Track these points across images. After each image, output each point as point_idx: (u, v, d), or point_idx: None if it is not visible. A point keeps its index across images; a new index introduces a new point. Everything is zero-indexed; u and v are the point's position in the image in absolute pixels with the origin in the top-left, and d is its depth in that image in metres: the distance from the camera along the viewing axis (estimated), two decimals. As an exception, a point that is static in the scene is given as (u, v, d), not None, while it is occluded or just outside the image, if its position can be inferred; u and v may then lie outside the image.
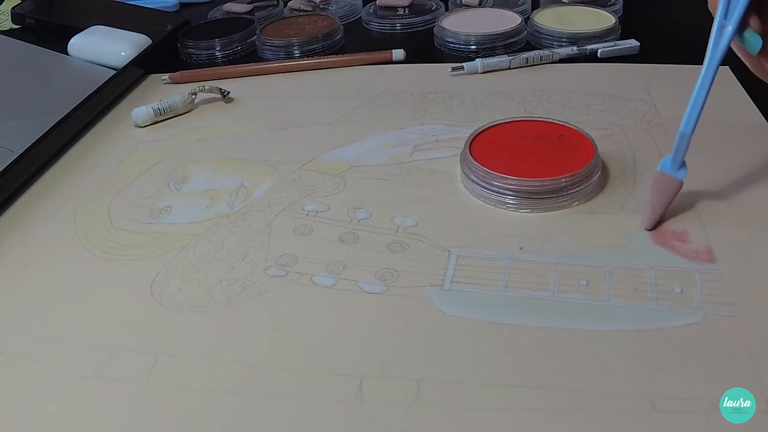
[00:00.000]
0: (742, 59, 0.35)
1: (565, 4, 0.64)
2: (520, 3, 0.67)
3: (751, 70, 0.35)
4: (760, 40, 0.32)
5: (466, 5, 0.67)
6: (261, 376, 0.29)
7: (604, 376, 0.27)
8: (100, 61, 0.61)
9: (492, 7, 0.67)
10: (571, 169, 0.37)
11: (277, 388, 0.28)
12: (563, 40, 0.58)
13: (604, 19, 0.60)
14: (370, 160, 0.44)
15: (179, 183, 0.44)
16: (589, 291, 0.32)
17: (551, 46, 0.58)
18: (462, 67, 0.55)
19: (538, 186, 0.37)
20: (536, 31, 0.59)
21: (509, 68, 0.55)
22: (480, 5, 0.67)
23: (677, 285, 0.31)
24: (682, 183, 0.35)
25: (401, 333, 0.30)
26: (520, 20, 0.60)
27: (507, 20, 0.61)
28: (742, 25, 0.32)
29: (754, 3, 0.32)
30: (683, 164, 0.35)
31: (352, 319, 0.32)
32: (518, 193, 0.37)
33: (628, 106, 0.48)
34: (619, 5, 0.64)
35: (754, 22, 0.32)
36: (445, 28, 0.60)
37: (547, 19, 0.60)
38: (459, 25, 0.61)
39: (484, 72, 0.55)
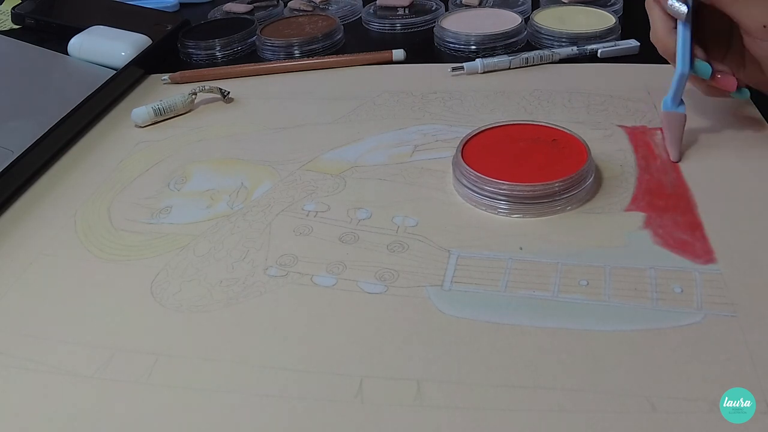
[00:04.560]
0: (695, 86, 0.41)
1: (565, 4, 0.65)
2: (520, 3, 0.67)
3: (703, 93, 0.42)
4: (709, 66, 0.39)
5: (466, 5, 0.67)
6: (261, 376, 0.29)
7: (604, 376, 0.27)
8: (100, 61, 0.61)
9: (492, 7, 0.67)
10: (564, 173, 0.37)
11: (277, 388, 0.28)
12: (563, 40, 0.58)
13: (604, 19, 0.60)
14: (370, 160, 0.44)
15: (179, 183, 0.44)
16: (589, 291, 0.32)
17: (551, 46, 0.58)
18: (462, 67, 0.55)
19: (530, 191, 0.37)
20: (536, 31, 0.59)
21: (509, 68, 0.55)
22: (480, 5, 0.67)
23: (677, 285, 0.31)
24: (685, 116, 0.40)
25: (401, 333, 0.30)
26: (520, 20, 0.60)
27: (507, 20, 0.61)
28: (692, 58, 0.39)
29: (696, 39, 0.39)
30: (681, 102, 0.41)
31: (352, 319, 0.32)
32: (510, 198, 0.37)
33: (628, 106, 0.48)
34: (619, 5, 0.64)
35: (699, 52, 0.39)
36: (445, 28, 0.60)
37: (547, 19, 0.60)
38: (459, 25, 0.61)
39: (484, 72, 0.55)
